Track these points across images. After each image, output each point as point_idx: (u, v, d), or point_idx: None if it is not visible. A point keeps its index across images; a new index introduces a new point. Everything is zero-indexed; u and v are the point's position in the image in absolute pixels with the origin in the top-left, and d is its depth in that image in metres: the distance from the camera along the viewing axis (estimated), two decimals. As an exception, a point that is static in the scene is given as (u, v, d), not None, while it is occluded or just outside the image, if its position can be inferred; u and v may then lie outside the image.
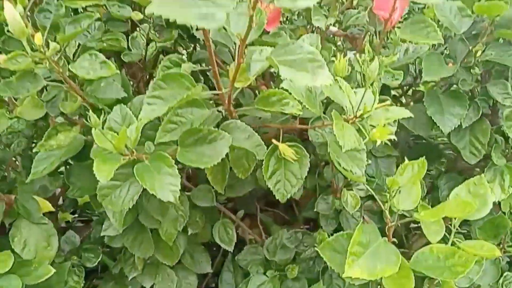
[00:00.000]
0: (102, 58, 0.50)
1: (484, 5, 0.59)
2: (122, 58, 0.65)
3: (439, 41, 0.54)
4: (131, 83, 0.75)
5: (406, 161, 0.52)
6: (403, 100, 0.88)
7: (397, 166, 0.53)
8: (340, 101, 0.51)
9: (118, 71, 0.50)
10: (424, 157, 0.52)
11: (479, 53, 0.65)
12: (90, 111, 0.43)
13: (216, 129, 0.51)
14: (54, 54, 0.47)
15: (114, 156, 0.45)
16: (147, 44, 0.72)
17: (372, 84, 0.53)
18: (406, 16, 0.69)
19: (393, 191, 0.52)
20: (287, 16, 0.82)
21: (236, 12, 0.42)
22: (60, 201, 0.87)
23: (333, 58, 0.59)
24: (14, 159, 0.72)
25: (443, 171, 0.83)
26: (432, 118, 0.68)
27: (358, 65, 0.55)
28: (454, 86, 0.70)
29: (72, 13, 0.61)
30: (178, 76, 0.49)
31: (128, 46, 0.69)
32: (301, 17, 0.78)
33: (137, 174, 0.45)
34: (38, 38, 0.47)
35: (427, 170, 0.53)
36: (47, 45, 0.47)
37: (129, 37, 0.70)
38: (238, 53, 0.45)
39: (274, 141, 0.57)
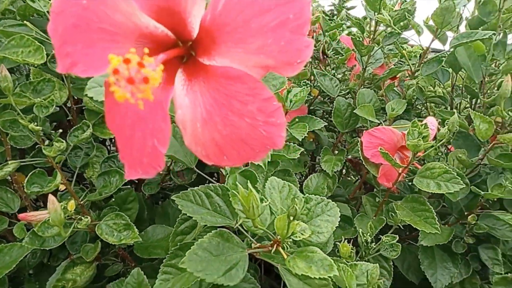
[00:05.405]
0: (126, 221, 0.53)
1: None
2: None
3: (437, 230, 0.59)
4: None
5: None
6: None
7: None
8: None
9: (139, 236, 0.53)
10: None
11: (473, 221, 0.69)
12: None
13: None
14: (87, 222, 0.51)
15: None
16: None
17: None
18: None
19: None
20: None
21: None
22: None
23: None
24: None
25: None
26: (425, 272, 0.72)
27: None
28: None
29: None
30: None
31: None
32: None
33: None
34: (71, 205, 0.51)
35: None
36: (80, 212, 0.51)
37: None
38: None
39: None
